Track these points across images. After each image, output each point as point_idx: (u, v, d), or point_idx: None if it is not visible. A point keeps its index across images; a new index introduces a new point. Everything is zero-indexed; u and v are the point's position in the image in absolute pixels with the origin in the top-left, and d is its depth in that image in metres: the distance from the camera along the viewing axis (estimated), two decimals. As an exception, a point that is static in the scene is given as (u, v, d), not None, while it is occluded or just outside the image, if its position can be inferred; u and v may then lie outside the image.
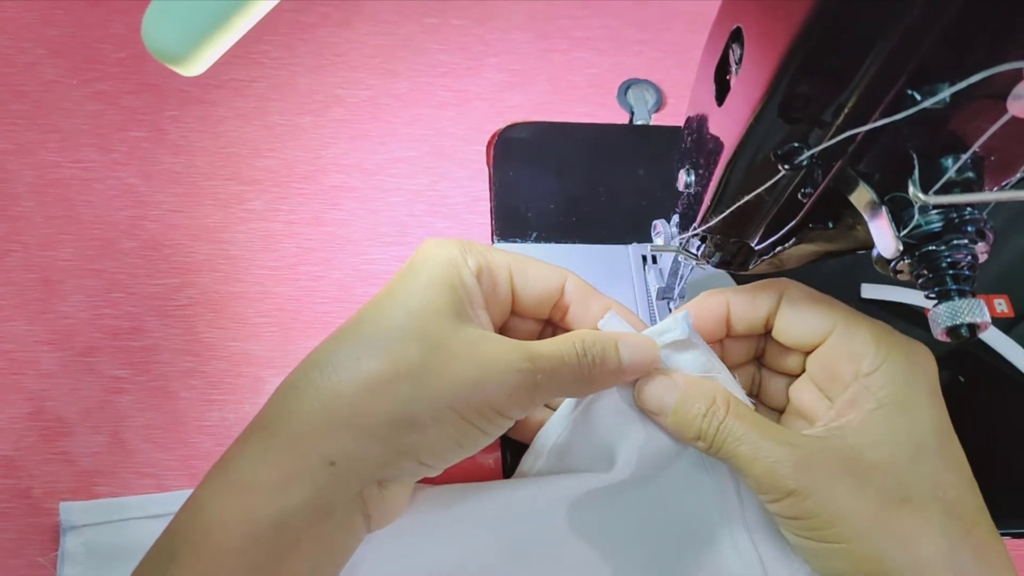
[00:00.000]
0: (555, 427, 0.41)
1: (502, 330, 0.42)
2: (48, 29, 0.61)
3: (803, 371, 0.42)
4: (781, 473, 0.36)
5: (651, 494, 0.43)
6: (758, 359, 0.45)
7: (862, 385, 0.37)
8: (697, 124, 0.39)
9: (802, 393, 0.41)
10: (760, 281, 0.42)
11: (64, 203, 0.55)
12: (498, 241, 0.55)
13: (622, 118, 0.62)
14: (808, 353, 0.41)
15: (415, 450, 0.34)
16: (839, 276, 0.55)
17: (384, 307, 0.36)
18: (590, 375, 0.37)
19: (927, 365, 0.38)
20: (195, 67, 0.34)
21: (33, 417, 0.49)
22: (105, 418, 0.49)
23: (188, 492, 0.46)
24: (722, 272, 0.54)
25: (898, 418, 0.36)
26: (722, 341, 0.43)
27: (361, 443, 0.33)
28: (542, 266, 0.41)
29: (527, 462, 0.42)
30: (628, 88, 0.63)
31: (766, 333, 0.42)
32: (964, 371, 0.53)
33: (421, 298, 0.35)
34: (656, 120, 0.62)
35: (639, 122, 0.62)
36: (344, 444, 0.33)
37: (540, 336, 0.44)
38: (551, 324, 0.43)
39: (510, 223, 0.56)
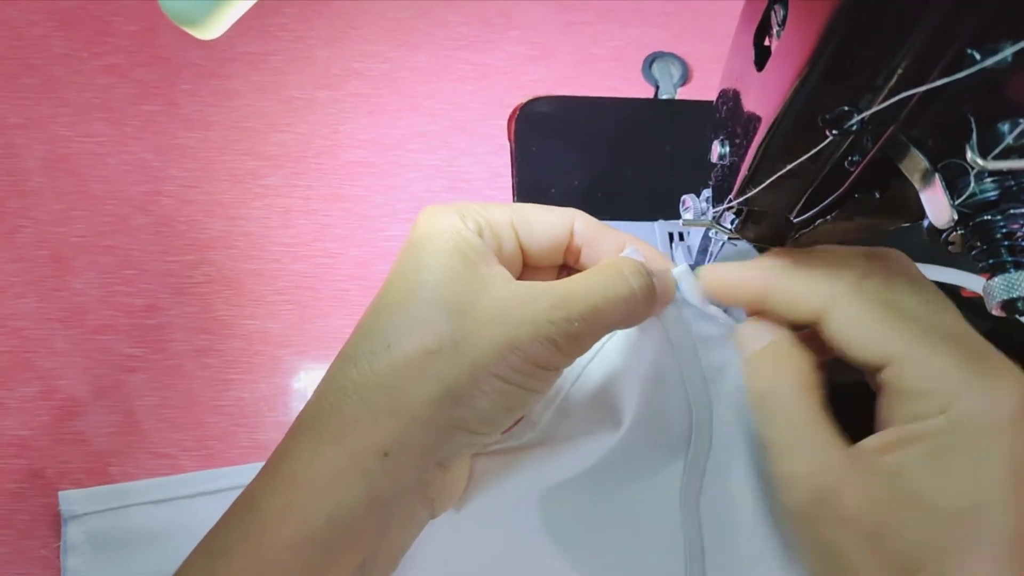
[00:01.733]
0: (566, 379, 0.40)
1: None
2: (59, 2, 0.60)
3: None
4: (798, 490, 0.34)
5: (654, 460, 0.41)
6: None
7: (919, 428, 0.33)
8: (733, 93, 0.37)
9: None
10: (812, 276, 0.37)
11: (76, 178, 0.54)
12: (520, 217, 0.53)
13: (647, 92, 0.61)
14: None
15: (465, 423, 0.33)
16: (872, 254, 0.54)
17: (400, 287, 0.35)
18: (636, 304, 0.36)
19: (1003, 411, 0.32)
20: (211, 30, 0.33)
21: (45, 396, 0.48)
22: (119, 398, 0.48)
23: (190, 476, 0.46)
24: (751, 249, 0.53)
25: (945, 477, 0.32)
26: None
27: (409, 428, 0.32)
28: (545, 212, 0.39)
29: (535, 412, 0.42)
30: (653, 61, 0.62)
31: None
32: (1009, 353, 0.51)
33: (434, 270, 0.34)
34: (682, 94, 0.61)
35: (664, 96, 0.60)
36: (393, 432, 0.32)
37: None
38: (567, 268, 0.41)
39: (533, 199, 0.54)
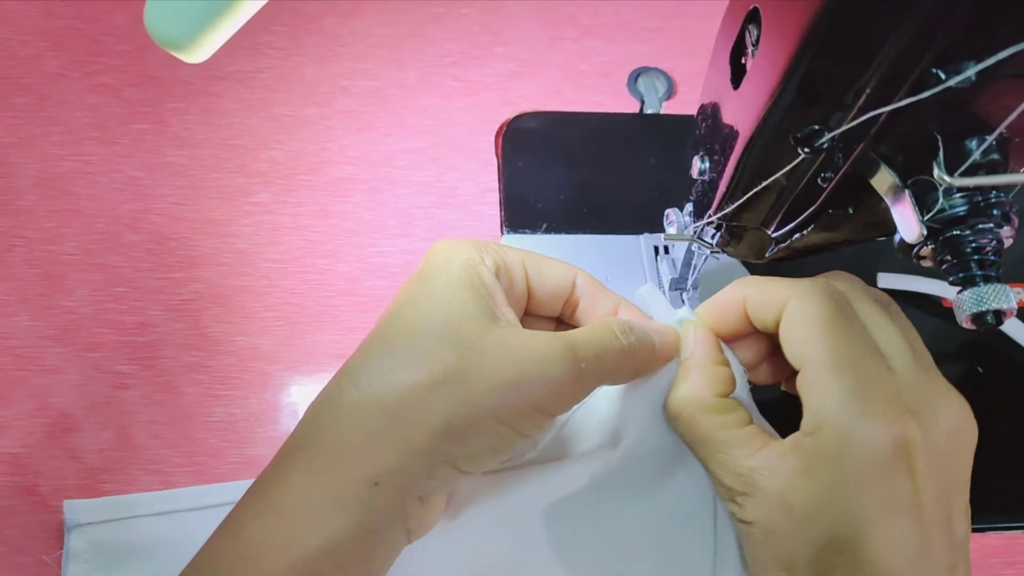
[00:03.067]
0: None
1: None
2: (50, 21, 0.60)
3: None
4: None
5: (652, 473, 0.42)
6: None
7: (795, 442, 0.34)
8: (712, 109, 0.38)
9: None
10: (780, 280, 0.38)
11: (67, 197, 0.55)
12: (508, 232, 0.54)
13: (632, 107, 0.61)
14: None
15: (454, 459, 0.33)
16: (854, 265, 0.53)
17: (409, 315, 0.34)
18: (634, 361, 0.36)
19: (870, 445, 0.32)
20: (198, 54, 0.34)
21: (38, 413, 0.48)
22: (111, 414, 0.49)
23: (193, 489, 0.46)
24: (736, 261, 0.53)
25: (805, 501, 0.33)
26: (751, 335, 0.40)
27: (403, 458, 0.32)
28: (554, 263, 0.40)
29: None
30: (638, 76, 0.62)
31: None
32: (982, 362, 0.52)
33: (445, 302, 0.34)
34: (667, 109, 0.61)
35: (650, 111, 0.61)
36: (386, 460, 0.32)
37: None
38: (561, 322, 0.42)
39: (520, 214, 0.55)
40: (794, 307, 0.36)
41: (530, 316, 0.41)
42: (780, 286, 0.37)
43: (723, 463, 0.35)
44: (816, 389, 0.33)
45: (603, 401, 0.40)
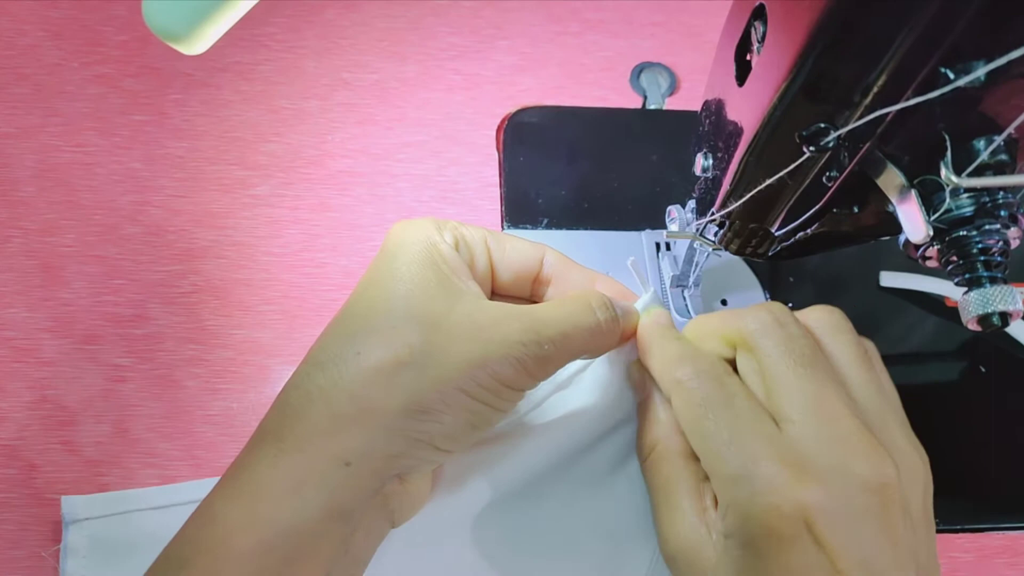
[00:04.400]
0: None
1: None
2: (49, 11, 0.60)
3: None
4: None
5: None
6: None
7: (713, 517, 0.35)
8: (716, 106, 0.38)
9: None
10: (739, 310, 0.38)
11: (65, 188, 0.54)
12: (508, 227, 0.54)
13: (635, 102, 0.61)
14: None
15: (429, 437, 0.33)
16: (857, 264, 0.54)
17: (372, 296, 0.35)
18: (605, 339, 0.36)
19: (767, 523, 0.31)
20: (196, 46, 0.33)
21: (35, 406, 0.48)
22: (108, 407, 0.49)
23: (192, 484, 0.46)
24: (738, 259, 0.53)
25: None
26: None
27: (373, 438, 0.32)
28: (518, 240, 0.39)
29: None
30: (641, 72, 0.62)
31: None
32: (985, 362, 0.52)
33: (407, 280, 0.34)
34: (670, 104, 0.61)
35: (652, 106, 0.60)
36: (356, 441, 0.32)
37: None
38: (532, 302, 0.41)
39: (520, 209, 0.55)
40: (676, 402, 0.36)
41: (497, 296, 0.40)
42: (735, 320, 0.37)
43: (671, 517, 0.36)
44: (713, 478, 0.34)
45: (566, 393, 0.40)
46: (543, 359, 0.34)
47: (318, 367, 0.33)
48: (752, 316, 0.35)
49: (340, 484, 0.32)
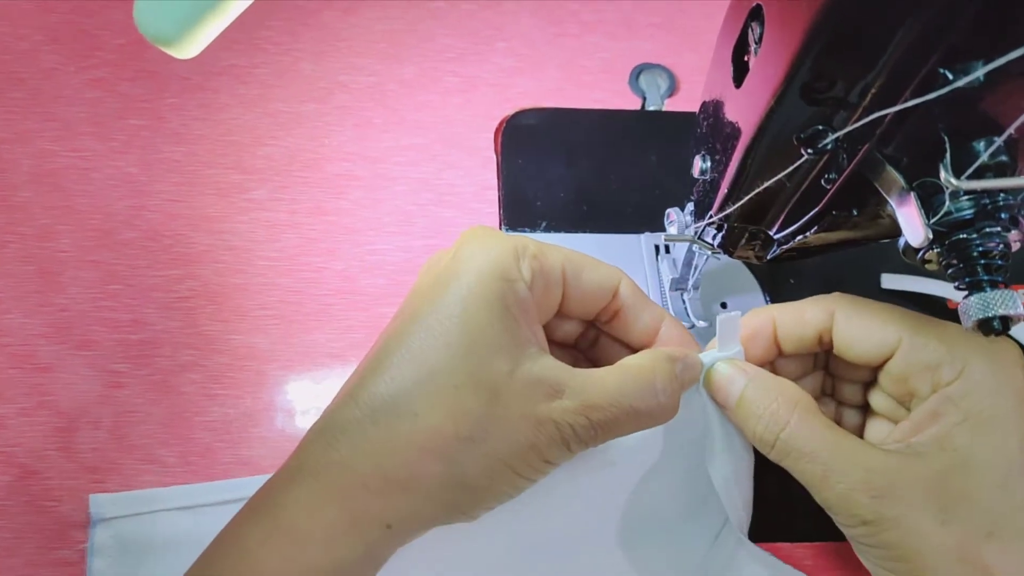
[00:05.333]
0: None
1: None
2: (46, 16, 0.60)
3: (875, 381, 0.39)
4: (857, 501, 0.33)
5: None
6: (826, 368, 0.42)
7: (943, 396, 0.34)
8: (713, 108, 0.38)
9: (880, 401, 0.39)
10: (809, 297, 0.39)
11: (62, 193, 0.54)
12: (506, 230, 0.53)
13: (634, 104, 0.61)
14: (878, 368, 0.38)
15: (467, 507, 0.33)
16: (858, 266, 0.54)
17: (433, 335, 0.32)
18: (659, 417, 0.35)
19: (1013, 369, 0.34)
20: (188, 49, 0.33)
21: (31, 412, 0.48)
22: (104, 413, 0.48)
23: (217, 484, 0.46)
24: (737, 262, 0.53)
25: (986, 435, 0.33)
26: (774, 361, 0.40)
27: (417, 506, 0.32)
28: (596, 267, 0.37)
29: None
30: (640, 73, 0.62)
31: (828, 350, 0.40)
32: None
33: (474, 327, 0.32)
34: (669, 106, 0.61)
35: (651, 108, 0.60)
36: (400, 507, 0.32)
37: (581, 337, 0.41)
38: (594, 325, 0.41)
39: (519, 212, 0.54)
40: (848, 313, 0.37)
41: (560, 318, 0.39)
42: (816, 301, 0.38)
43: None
44: (929, 349, 0.35)
45: None
46: (589, 442, 0.33)
47: (370, 416, 0.32)
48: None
49: (378, 541, 0.32)
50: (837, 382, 0.42)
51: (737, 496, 0.40)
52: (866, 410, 0.41)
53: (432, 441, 0.31)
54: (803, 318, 0.38)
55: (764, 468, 0.39)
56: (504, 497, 0.33)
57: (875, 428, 0.40)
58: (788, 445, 0.35)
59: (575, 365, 0.34)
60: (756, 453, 0.40)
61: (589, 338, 0.41)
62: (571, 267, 0.37)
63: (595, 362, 0.41)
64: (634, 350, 0.39)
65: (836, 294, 0.39)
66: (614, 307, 0.38)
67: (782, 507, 0.44)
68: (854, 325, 0.37)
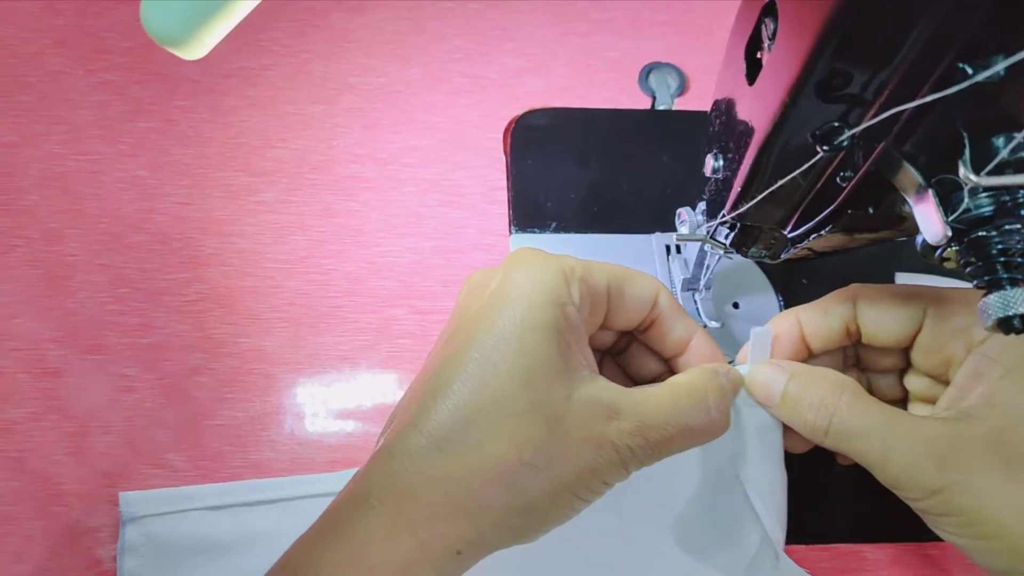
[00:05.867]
0: None
1: None
2: (53, 19, 0.60)
3: (908, 366, 0.40)
4: (923, 470, 0.34)
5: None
6: (857, 365, 0.43)
7: (980, 355, 0.35)
8: (726, 106, 0.37)
9: (917, 383, 0.40)
10: (829, 293, 0.40)
11: (70, 196, 0.54)
12: (516, 231, 0.53)
13: (644, 103, 0.60)
14: (908, 348, 0.39)
15: (530, 531, 0.33)
16: (872, 265, 0.53)
17: (492, 363, 0.33)
18: (712, 433, 0.36)
19: None
20: (196, 50, 0.33)
21: (40, 416, 0.48)
22: (113, 417, 0.48)
23: (251, 483, 0.46)
24: (750, 262, 0.52)
25: None
26: (805, 362, 0.41)
27: (485, 533, 0.32)
28: (637, 280, 0.38)
29: None
30: (650, 72, 0.61)
31: (855, 343, 0.40)
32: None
33: (531, 354, 0.33)
34: (679, 105, 0.60)
35: (661, 107, 0.60)
36: (469, 535, 0.32)
37: (616, 344, 0.42)
38: (629, 333, 0.41)
39: (528, 213, 0.54)
40: (870, 297, 0.38)
41: (601, 329, 0.39)
42: (833, 300, 0.40)
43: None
44: (955, 314, 0.36)
45: None
46: (644, 461, 0.34)
47: (437, 445, 0.32)
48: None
49: (448, 568, 0.32)
50: (871, 376, 0.42)
51: (773, 511, 0.40)
52: (904, 402, 0.42)
53: (497, 469, 0.32)
54: (827, 313, 0.39)
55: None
56: (563, 519, 0.34)
57: (917, 412, 0.40)
58: (843, 428, 0.35)
59: (601, 369, 0.34)
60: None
61: (621, 345, 0.42)
62: (615, 283, 0.37)
63: (623, 367, 0.43)
64: (663, 359, 0.41)
65: (854, 285, 0.39)
66: (651, 316, 0.39)
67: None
68: (878, 308, 0.38)
